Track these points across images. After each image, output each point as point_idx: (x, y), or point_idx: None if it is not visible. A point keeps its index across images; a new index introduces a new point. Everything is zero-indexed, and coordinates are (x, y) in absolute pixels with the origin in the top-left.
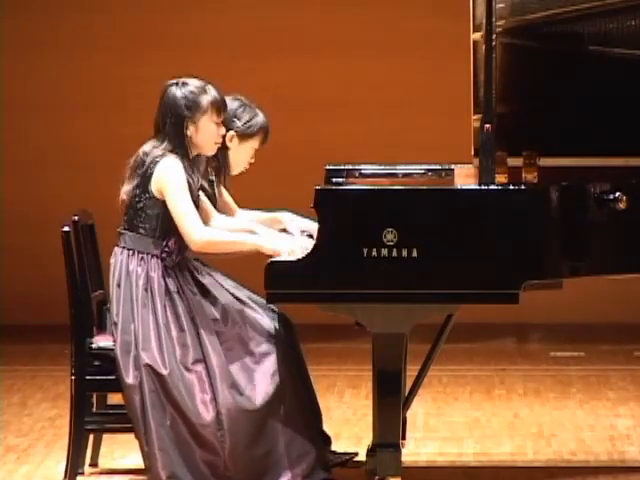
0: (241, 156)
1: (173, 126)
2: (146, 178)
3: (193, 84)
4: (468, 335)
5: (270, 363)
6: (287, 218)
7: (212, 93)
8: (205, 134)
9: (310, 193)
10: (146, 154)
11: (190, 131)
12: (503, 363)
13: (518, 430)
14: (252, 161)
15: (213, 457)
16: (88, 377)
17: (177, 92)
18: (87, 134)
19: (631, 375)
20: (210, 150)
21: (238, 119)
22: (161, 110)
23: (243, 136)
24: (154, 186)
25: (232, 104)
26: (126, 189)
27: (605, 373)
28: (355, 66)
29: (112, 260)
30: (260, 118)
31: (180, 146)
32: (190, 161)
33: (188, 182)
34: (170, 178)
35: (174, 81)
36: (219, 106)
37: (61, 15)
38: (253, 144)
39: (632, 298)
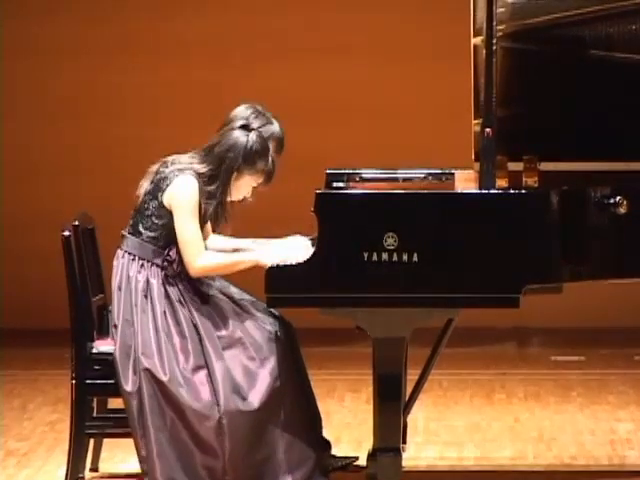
0: None
1: (228, 162)
2: (160, 187)
3: (264, 142)
4: (468, 339)
5: (272, 368)
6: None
7: (271, 162)
8: (240, 188)
9: (310, 197)
10: (173, 162)
11: (233, 176)
12: (503, 367)
13: (518, 434)
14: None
15: (213, 461)
16: (88, 381)
17: (248, 140)
18: (87, 138)
19: (631, 379)
20: (234, 198)
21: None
22: (224, 140)
23: None
24: (166, 199)
25: (245, 112)
26: (144, 186)
27: (605, 377)
28: (355, 70)
29: (115, 262)
30: (273, 126)
31: (214, 176)
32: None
33: (200, 202)
34: (183, 199)
35: (252, 122)
36: (270, 176)
37: (60, 21)
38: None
39: (632, 302)
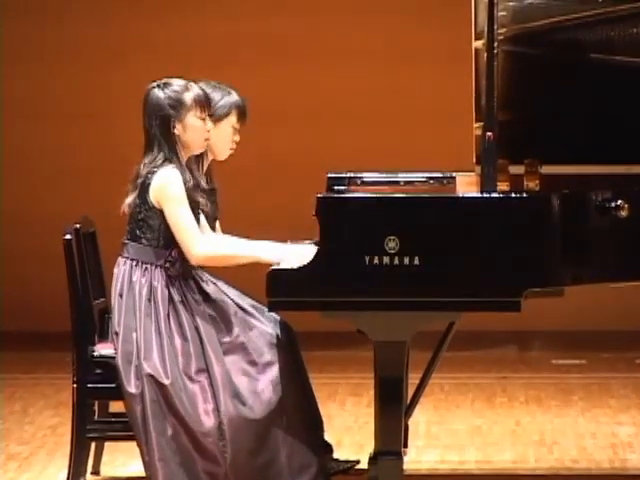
0: (222, 138)
1: (160, 128)
2: (144, 189)
3: (175, 83)
4: (470, 343)
5: (273, 373)
6: None
7: (194, 90)
8: (192, 131)
9: (312, 201)
10: (145, 165)
11: (178, 130)
12: (505, 371)
13: (520, 438)
14: (237, 139)
15: (214, 467)
16: (90, 385)
17: (160, 93)
18: (88, 141)
19: (633, 383)
20: (199, 147)
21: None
22: (146, 114)
23: (217, 118)
24: (153, 197)
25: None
26: (128, 201)
27: (607, 381)
28: (356, 74)
29: (115, 270)
30: (231, 97)
31: (171, 149)
32: (186, 165)
33: (187, 190)
34: (168, 189)
35: (155, 83)
36: (202, 101)
37: (60, 23)
38: (230, 123)
39: (634, 306)
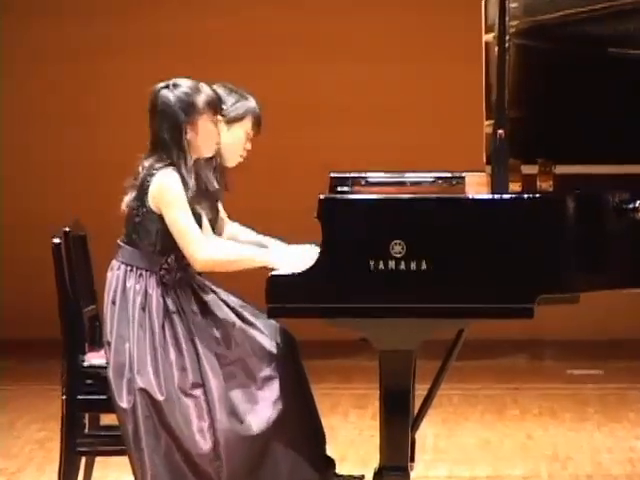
0: (233, 143)
1: (170, 132)
2: (143, 191)
3: (185, 84)
4: (480, 352)
5: (273, 389)
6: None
7: (206, 91)
8: (205, 135)
9: (314, 202)
10: (144, 167)
11: (190, 135)
12: (516, 381)
13: (532, 452)
14: (248, 147)
15: None
16: (80, 397)
17: (169, 95)
18: (82, 146)
19: None
20: (209, 152)
21: (224, 103)
22: (155, 117)
23: (230, 120)
24: (151, 200)
25: (218, 90)
26: (126, 200)
27: (624, 392)
28: (363, 71)
29: (109, 274)
30: (248, 102)
31: (179, 154)
32: (189, 168)
33: (189, 197)
34: (167, 193)
35: (163, 84)
36: (215, 104)
37: (61, 25)
38: (244, 128)
39: None
